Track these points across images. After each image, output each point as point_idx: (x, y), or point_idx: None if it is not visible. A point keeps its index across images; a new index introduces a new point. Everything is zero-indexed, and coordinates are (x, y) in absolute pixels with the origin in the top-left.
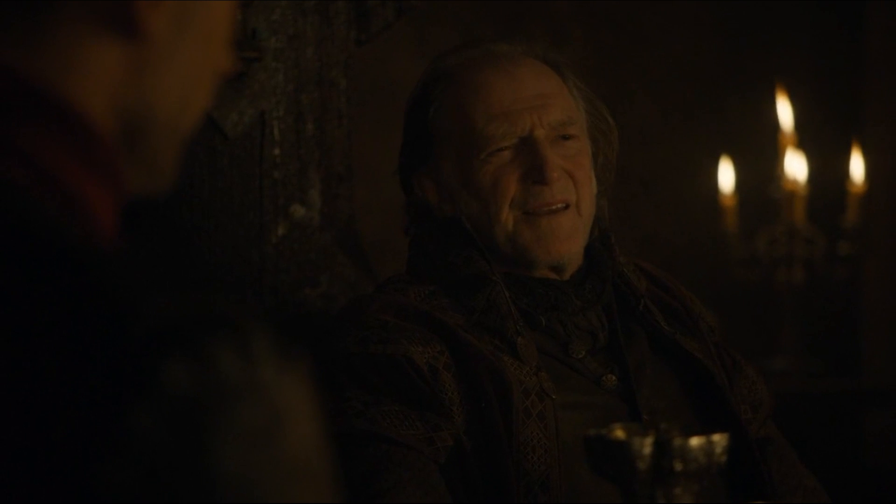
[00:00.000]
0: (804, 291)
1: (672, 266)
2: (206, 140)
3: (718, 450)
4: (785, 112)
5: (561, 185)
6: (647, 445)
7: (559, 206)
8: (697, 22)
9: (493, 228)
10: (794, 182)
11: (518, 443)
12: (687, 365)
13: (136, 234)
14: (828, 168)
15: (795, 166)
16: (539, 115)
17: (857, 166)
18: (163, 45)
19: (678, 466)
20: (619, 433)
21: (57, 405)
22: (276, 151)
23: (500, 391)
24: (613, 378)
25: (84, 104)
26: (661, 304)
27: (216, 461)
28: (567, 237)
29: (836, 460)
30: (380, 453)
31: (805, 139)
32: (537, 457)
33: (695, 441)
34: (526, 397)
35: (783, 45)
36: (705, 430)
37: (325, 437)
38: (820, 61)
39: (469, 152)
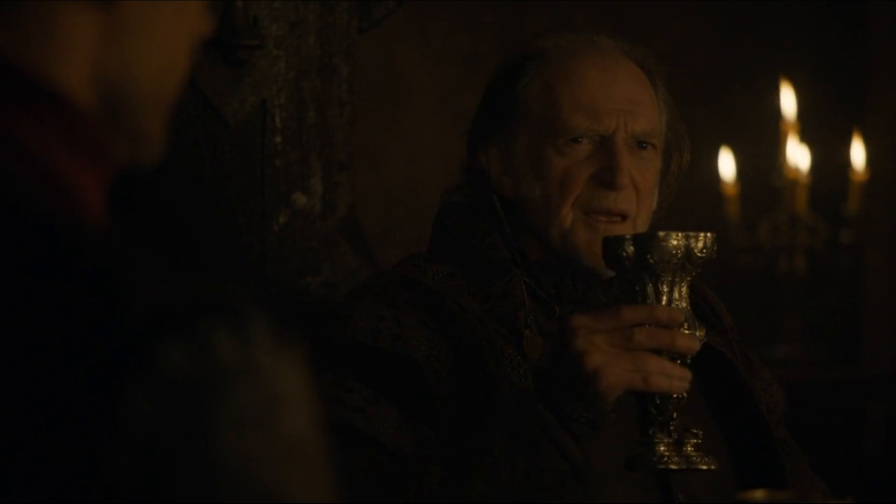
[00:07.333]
0: (806, 279)
1: None
2: (208, 128)
3: (700, 244)
4: (787, 100)
5: (625, 195)
6: (629, 243)
7: (618, 216)
8: (700, 10)
9: (551, 221)
10: (796, 170)
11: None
12: (707, 360)
13: (136, 222)
14: (829, 156)
15: (797, 155)
16: (625, 120)
17: (858, 154)
18: (136, 10)
19: (655, 258)
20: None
21: (55, 389)
22: (278, 139)
23: (489, 395)
24: None
25: (63, 79)
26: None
27: (212, 443)
28: None
29: (836, 447)
30: (363, 452)
31: (807, 127)
32: None
33: (673, 237)
34: None
35: (785, 33)
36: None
37: (321, 421)
38: (822, 50)
39: (545, 136)
